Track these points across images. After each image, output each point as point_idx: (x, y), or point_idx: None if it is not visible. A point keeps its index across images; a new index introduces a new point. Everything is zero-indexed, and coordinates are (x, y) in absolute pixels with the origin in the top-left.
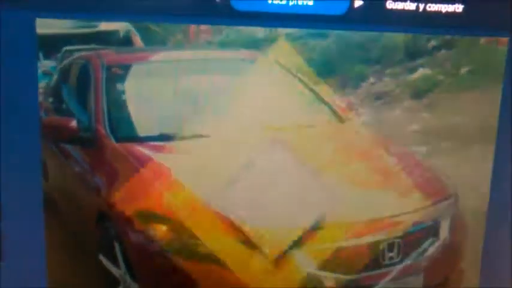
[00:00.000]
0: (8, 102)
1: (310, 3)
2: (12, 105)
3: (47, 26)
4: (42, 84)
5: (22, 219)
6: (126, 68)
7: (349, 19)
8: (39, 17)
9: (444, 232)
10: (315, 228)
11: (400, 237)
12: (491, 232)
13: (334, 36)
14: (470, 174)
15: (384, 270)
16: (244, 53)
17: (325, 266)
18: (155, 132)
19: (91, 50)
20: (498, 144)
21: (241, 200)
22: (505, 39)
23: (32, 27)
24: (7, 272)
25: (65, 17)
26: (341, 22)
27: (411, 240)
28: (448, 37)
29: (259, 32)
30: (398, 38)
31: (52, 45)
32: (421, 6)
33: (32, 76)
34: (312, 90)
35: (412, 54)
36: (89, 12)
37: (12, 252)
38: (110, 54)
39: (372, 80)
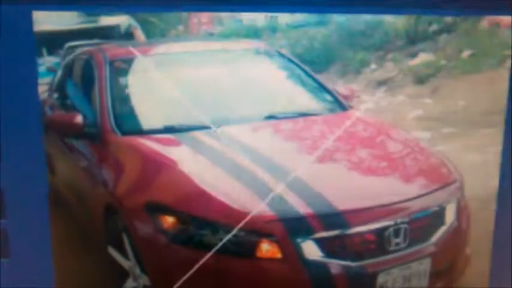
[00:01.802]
0: (8, 98)
1: None
2: (13, 102)
3: (48, 22)
4: (46, 80)
5: (27, 217)
6: (129, 61)
7: (351, 2)
8: (35, 9)
9: (450, 217)
10: (322, 215)
11: (406, 222)
12: (501, 218)
13: (335, 24)
14: (475, 159)
15: (390, 256)
16: (246, 43)
17: (332, 253)
18: (159, 125)
19: (93, 45)
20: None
21: (247, 190)
22: (508, 21)
23: (29, 19)
24: (13, 268)
25: (61, 9)
26: (343, 6)
27: (417, 225)
28: (449, 21)
29: (260, 22)
30: (398, 23)
31: (55, 41)
32: None
33: (31, 69)
34: (313, 78)
35: (413, 39)
36: (87, 4)
37: (18, 249)
38: (112, 49)
39: (373, 66)
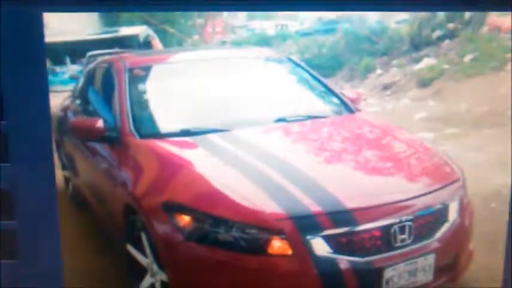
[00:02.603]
0: (19, 102)
1: None
2: (24, 106)
3: (71, 32)
4: (70, 87)
5: (37, 218)
6: (147, 69)
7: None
8: (46, 11)
9: (453, 214)
10: (330, 213)
11: (411, 220)
12: None
13: (342, 31)
14: (477, 158)
15: (396, 251)
16: (258, 51)
17: (340, 249)
18: (176, 128)
19: (113, 54)
20: None
21: (258, 189)
22: (508, 26)
23: (40, 21)
24: (22, 269)
25: (71, 11)
26: (351, 4)
27: (422, 222)
28: (451, 27)
29: (271, 30)
30: (403, 29)
31: (77, 50)
32: None
33: (41, 72)
34: (322, 82)
35: (417, 45)
36: (98, 5)
37: (27, 250)
38: (132, 57)
39: (379, 71)
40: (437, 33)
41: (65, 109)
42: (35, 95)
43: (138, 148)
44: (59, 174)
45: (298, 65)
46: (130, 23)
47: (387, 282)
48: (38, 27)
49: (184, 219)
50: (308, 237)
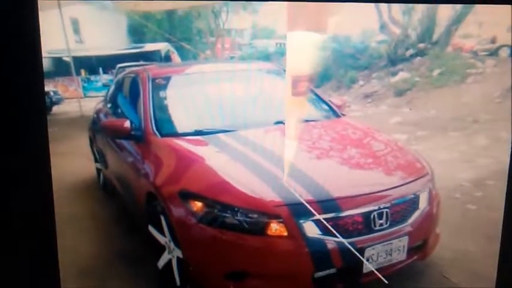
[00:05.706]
0: (16, 96)
1: None
2: (20, 99)
3: (103, 48)
4: (102, 93)
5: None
6: (167, 79)
7: None
8: None
9: (423, 203)
10: (320, 201)
11: (388, 207)
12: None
13: (330, 49)
14: (443, 156)
15: (375, 234)
16: (259, 64)
17: (328, 232)
18: (191, 129)
19: (139, 66)
20: None
21: (260, 181)
22: (469, 46)
23: (34, 12)
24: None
25: None
26: None
27: (397, 209)
28: (422, 47)
29: (271, 47)
30: (382, 48)
31: (109, 63)
32: None
33: (36, 65)
34: (313, 91)
35: (394, 61)
36: None
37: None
38: (154, 69)
39: (361, 82)
40: (410, 51)
41: (97, 111)
42: (31, 90)
43: (158, 145)
44: (92, 167)
45: None
46: (154, 40)
47: (367, 259)
48: (34, 18)
49: (197, 205)
50: (301, 221)
